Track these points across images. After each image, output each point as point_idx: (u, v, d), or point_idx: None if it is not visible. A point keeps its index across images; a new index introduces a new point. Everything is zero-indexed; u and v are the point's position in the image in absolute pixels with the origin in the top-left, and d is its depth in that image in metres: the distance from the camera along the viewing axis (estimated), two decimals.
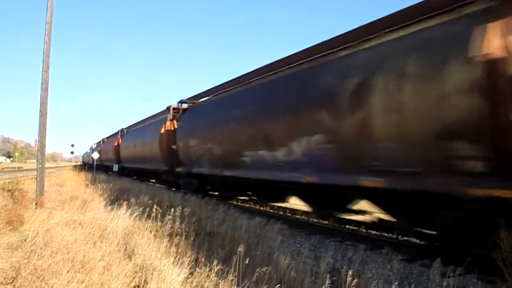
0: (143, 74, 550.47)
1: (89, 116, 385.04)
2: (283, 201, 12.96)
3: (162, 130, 19.43)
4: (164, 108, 22.40)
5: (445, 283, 4.83)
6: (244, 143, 11.73)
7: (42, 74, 11.09)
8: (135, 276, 4.95)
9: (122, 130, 36.12)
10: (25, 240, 6.55)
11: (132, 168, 30.66)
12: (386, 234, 9.16)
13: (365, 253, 7.00)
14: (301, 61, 10.71)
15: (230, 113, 13.03)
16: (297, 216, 12.09)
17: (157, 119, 23.16)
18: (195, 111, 17.47)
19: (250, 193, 14.45)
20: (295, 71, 10.70)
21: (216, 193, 15.90)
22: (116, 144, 35.19)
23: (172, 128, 18.88)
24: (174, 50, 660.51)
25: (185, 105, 19.41)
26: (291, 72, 10.87)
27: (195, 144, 15.38)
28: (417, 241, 8.53)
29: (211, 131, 14.09)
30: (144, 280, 4.81)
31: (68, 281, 4.31)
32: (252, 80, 13.17)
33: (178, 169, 17.97)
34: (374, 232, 9.53)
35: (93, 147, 59.94)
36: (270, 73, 12.12)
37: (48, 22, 11.12)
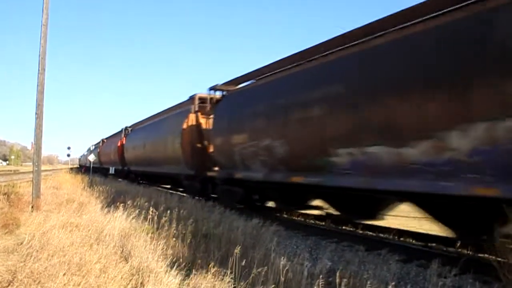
0: (140, 76, 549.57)
1: (85, 119, 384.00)
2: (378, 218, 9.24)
3: (184, 126, 16.19)
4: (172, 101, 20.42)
5: (440, 283, 4.87)
6: (335, 136, 8.40)
7: (38, 76, 11.07)
8: (131, 279, 4.94)
9: (126, 128, 32.68)
10: (21, 243, 6.53)
11: (140, 172, 26.94)
12: (382, 235, 9.21)
13: (362, 254, 7.02)
14: None
15: (304, 96, 9.35)
16: (294, 218, 12.10)
17: (176, 112, 19.39)
18: (240, 98, 13.24)
19: (321, 205, 10.80)
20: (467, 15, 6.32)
21: (269, 204, 12.98)
22: (119, 144, 31.80)
23: (198, 123, 15.94)
24: (172, 51, 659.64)
25: (218, 94, 15.33)
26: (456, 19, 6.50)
27: (242, 141, 11.75)
28: (414, 241, 8.58)
29: (271, 123, 10.49)
30: (141, 283, 4.81)
31: (65, 284, 4.30)
32: (345, 46, 9.08)
33: (211, 174, 14.62)
34: (370, 233, 9.57)
35: (91, 149, 57.41)
36: (384, 32, 8.02)
37: (43, 25, 11.11)
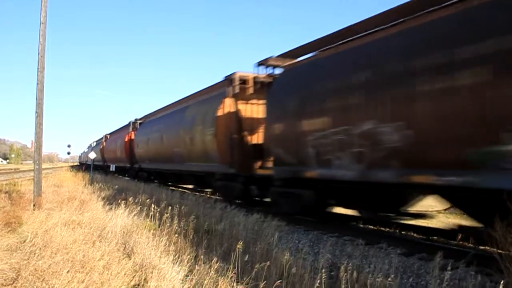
0: (139, 75, 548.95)
1: (85, 117, 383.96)
2: None
3: (219, 113, 13.35)
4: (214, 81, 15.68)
5: (442, 276, 4.89)
6: None
7: (38, 75, 11.06)
8: (135, 275, 4.98)
9: (135, 121, 28.74)
10: (24, 241, 6.57)
11: (155, 170, 23.56)
12: (383, 229, 9.23)
13: (363, 248, 7.05)
14: None
15: (446, 56, 6.25)
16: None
17: (208, 97, 15.90)
18: (312, 72, 9.84)
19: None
20: None
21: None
22: (126, 139, 28.58)
23: (237, 109, 12.99)
24: (173, 48, 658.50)
25: (265, 72, 11.88)
26: None
27: (320, 127, 8.66)
28: (415, 235, 8.60)
29: (377, 99, 7.43)
30: (144, 279, 4.84)
31: (69, 281, 4.32)
32: None
33: (263, 172, 11.67)
34: (371, 226, 9.59)
35: (93, 146, 54.82)
36: None
37: (42, 23, 11.08)
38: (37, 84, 11.07)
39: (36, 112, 11.05)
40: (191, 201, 11.68)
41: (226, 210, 10.05)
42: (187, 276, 4.99)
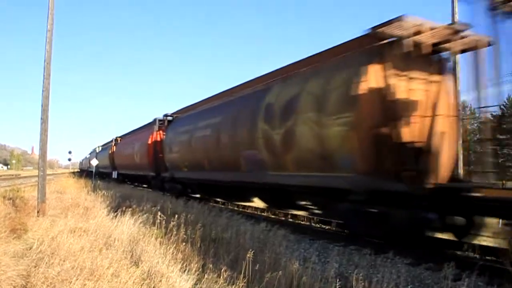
0: (141, 81, 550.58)
1: (85, 123, 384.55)
2: None
3: (362, 89, 8.13)
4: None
5: (451, 286, 4.87)
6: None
7: (43, 81, 11.10)
8: (143, 283, 4.96)
9: (164, 117, 22.32)
10: (30, 248, 6.56)
11: (200, 182, 17.00)
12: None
13: (370, 258, 7.03)
14: None
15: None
16: (300, 222, 12.11)
17: (321, 67, 10.17)
18: None
19: None
20: None
21: None
22: (150, 141, 23.00)
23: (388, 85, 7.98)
24: (174, 55, 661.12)
25: None
26: None
27: None
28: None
29: None
30: (153, 287, 4.82)
31: None
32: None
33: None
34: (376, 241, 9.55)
35: (98, 151, 49.63)
36: None
37: (49, 30, 11.14)
38: (42, 90, 11.11)
39: (41, 118, 11.06)
40: (197, 209, 11.65)
41: (232, 218, 10.03)
42: (195, 284, 4.98)
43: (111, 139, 40.52)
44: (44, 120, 11.08)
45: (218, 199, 17.67)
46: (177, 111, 21.82)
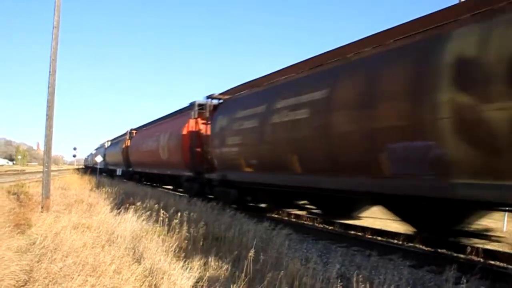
0: (147, 77, 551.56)
1: (91, 120, 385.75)
2: None
3: None
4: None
5: None
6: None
7: (49, 78, 11.14)
8: (145, 280, 4.97)
9: (207, 100, 16.61)
10: (33, 243, 6.59)
11: (294, 189, 10.76)
12: (392, 240, 9.18)
13: (372, 259, 7.01)
14: None
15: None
16: (303, 222, 12.09)
17: None
18: None
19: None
20: None
21: None
22: (185, 131, 17.56)
23: None
24: (178, 52, 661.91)
25: None
26: None
27: None
28: (423, 247, 8.54)
29: None
30: (155, 284, 4.84)
31: (80, 285, 4.33)
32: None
33: None
34: (379, 238, 9.55)
35: (106, 146, 45.64)
36: None
37: (55, 27, 11.17)
38: (48, 87, 11.14)
39: (46, 114, 11.09)
40: (199, 207, 11.67)
41: (235, 217, 10.03)
42: (197, 282, 4.98)
43: (124, 132, 34.81)
44: (49, 116, 11.11)
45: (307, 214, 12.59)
46: (225, 92, 16.07)
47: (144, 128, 29.57)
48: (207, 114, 16.35)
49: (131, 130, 32.37)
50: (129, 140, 31.60)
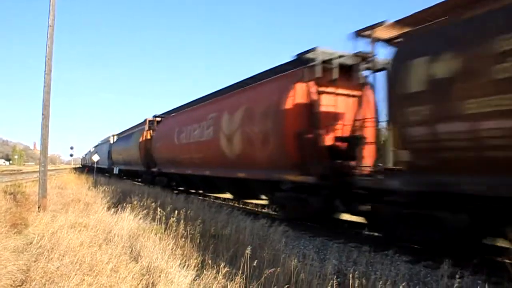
0: (142, 77, 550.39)
1: (87, 119, 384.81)
2: None
3: None
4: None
5: (450, 284, 4.88)
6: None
7: (45, 77, 11.12)
8: (142, 279, 4.98)
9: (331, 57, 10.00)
10: (30, 243, 6.60)
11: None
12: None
13: (369, 255, 7.03)
14: None
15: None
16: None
17: None
18: None
19: None
20: None
21: None
22: (289, 105, 10.39)
23: None
24: (175, 52, 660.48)
25: None
26: None
27: None
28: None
29: None
30: (152, 283, 4.84)
31: (78, 284, 4.34)
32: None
33: None
34: (376, 234, 9.57)
35: (112, 141, 38.02)
36: None
37: (50, 26, 11.15)
38: (44, 86, 11.12)
39: (42, 114, 11.09)
40: (196, 205, 11.68)
41: (232, 214, 10.04)
42: (194, 280, 4.99)
43: (141, 121, 27.81)
44: (45, 116, 11.10)
45: None
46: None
47: (181, 111, 20.98)
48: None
49: (154, 117, 24.63)
50: (149, 132, 24.61)
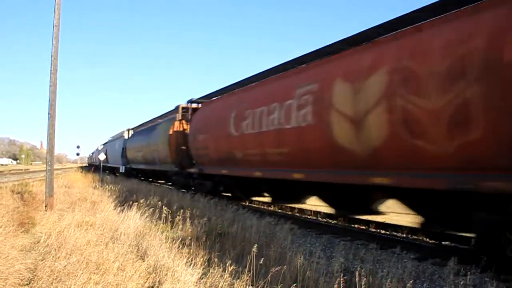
0: (148, 75, 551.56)
1: (93, 117, 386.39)
2: None
3: None
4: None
5: (457, 282, 4.84)
6: None
7: (50, 77, 11.15)
8: (149, 277, 4.98)
9: None
10: (37, 242, 6.64)
11: None
12: (395, 233, 9.18)
13: (376, 252, 7.01)
14: None
15: None
16: (307, 216, 12.08)
17: None
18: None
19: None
20: None
21: None
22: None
23: None
24: (180, 50, 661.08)
25: None
26: None
27: None
28: (427, 239, 8.53)
29: None
30: (158, 281, 4.84)
31: (84, 282, 4.34)
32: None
33: None
34: (383, 231, 9.54)
35: (127, 137, 32.94)
36: None
37: (55, 25, 11.17)
38: (49, 86, 11.16)
39: (48, 113, 11.13)
40: (202, 203, 11.68)
41: (238, 212, 10.05)
42: (201, 279, 4.99)
43: (170, 110, 22.48)
44: (51, 115, 11.14)
45: None
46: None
47: (235, 91, 14.92)
48: None
49: (189, 102, 19.05)
50: (182, 122, 19.13)
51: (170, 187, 20.81)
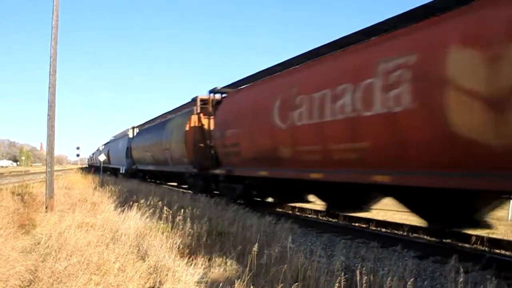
0: (148, 75, 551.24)
1: (93, 119, 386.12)
2: None
3: None
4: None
5: (457, 279, 4.84)
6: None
7: (50, 78, 11.15)
8: (149, 277, 4.99)
9: None
10: (38, 243, 6.63)
11: None
12: (396, 231, 9.18)
13: (377, 251, 7.01)
14: None
15: None
16: (307, 215, 12.08)
17: None
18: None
19: None
20: None
21: None
22: None
23: None
24: (180, 50, 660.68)
25: None
26: None
27: None
28: (428, 237, 8.53)
29: None
30: (159, 281, 4.84)
31: (85, 283, 4.34)
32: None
33: None
34: (384, 229, 9.54)
35: (131, 136, 30.72)
36: None
37: (54, 27, 11.17)
38: (49, 87, 11.15)
39: (48, 115, 11.11)
40: (203, 203, 11.68)
41: (239, 212, 10.04)
42: (202, 278, 4.99)
43: (183, 103, 20.65)
44: (51, 117, 11.13)
45: None
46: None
47: (279, 74, 11.79)
48: None
49: (211, 92, 15.88)
50: (201, 116, 16.76)
51: (171, 187, 20.80)
